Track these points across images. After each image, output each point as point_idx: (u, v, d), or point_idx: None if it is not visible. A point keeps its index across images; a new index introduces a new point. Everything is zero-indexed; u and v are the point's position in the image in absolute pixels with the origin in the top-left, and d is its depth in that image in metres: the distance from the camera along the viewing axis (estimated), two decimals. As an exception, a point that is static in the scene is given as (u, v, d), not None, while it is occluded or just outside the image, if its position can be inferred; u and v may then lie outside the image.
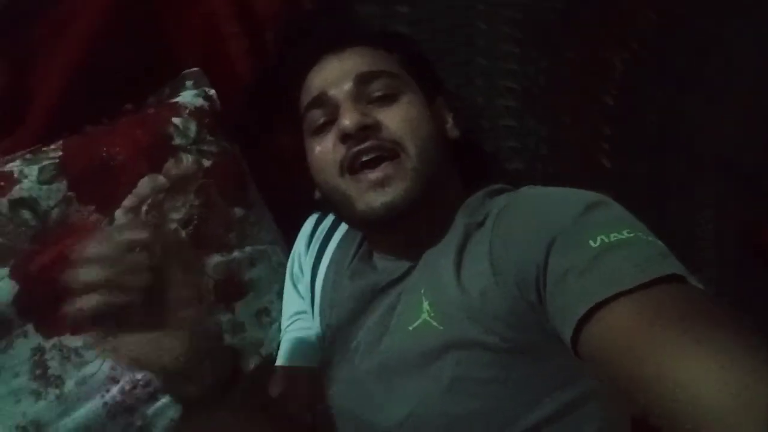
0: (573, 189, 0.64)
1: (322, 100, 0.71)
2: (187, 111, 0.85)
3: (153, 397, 0.75)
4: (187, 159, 0.82)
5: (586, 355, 0.51)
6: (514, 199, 0.67)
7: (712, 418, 0.40)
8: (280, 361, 0.81)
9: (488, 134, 0.89)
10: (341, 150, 0.69)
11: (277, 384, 0.79)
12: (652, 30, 0.93)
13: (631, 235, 0.53)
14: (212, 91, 0.89)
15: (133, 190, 0.78)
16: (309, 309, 0.82)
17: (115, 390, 0.72)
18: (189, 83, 0.89)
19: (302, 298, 0.84)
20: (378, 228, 0.73)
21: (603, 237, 0.53)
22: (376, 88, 0.71)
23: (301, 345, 0.81)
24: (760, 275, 0.88)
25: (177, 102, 0.86)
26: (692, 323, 0.45)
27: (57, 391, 0.70)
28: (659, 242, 0.54)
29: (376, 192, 0.67)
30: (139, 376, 0.74)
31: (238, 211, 0.84)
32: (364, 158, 0.68)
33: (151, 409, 0.74)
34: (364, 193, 0.68)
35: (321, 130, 0.72)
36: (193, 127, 0.84)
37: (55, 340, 0.71)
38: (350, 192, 0.69)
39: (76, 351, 0.71)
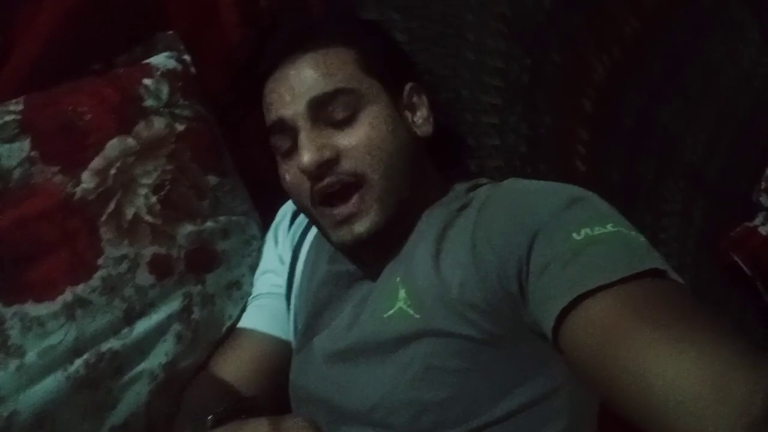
0: (557, 183, 0.66)
1: (281, 126, 0.70)
2: (159, 72, 0.80)
3: (119, 372, 0.71)
4: (159, 122, 0.77)
5: (566, 346, 0.52)
6: (497, 190, 0.68)
7: (689, 412, 0.41)
8: (246, 324, 0.80)
9: (471, 129, 0.89)
10: (306, 183, 0.68)
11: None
12: (633, 37, 0.95)
13: (615, 229, 0.55)
14: (186, 56, 0.84)
15: (101, 152, 0.73)
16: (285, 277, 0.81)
17: (79, 363, 0.69)
18: (162, 45, 0.84)
19: (282, 262, 0.82)
20: (354, 252, 0.73)
21: (587, 230, 0.54)
22: (332, 110, 0.68)
23: (271, 311, 0.80)
24: (721, 280, 0.92)
25: (149, 63, 0.81)
26: (670, 318, 0.47)
27: (17, 362, 0.65)
28: (642, 237, 0.56)
29: (344, 229, 0.68)
30: (104, 349, 0.70)
31: (212, 179, 0.80)
32: (330, 191, 0.67)
33: (117, 384, 0.71)
34: (334, 228, 0.68)
35: (288, 155, 0.70)
36: (165, 89, 0.79)
37: (16, 307, 0.66)
38: (322, 222, 0.70)
39: (38, 320, 0.67)
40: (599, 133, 0.95)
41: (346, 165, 0.67)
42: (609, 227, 0.54)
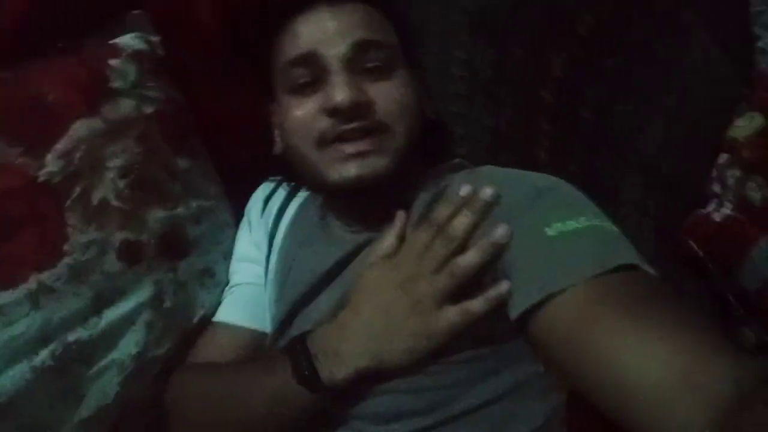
0: (531, 172, 0.66)
1: (310, 59, 0.66)
2: (126, 53, 0.77)
3: (87, 362, 0.68)
4: (127, 103, 0.75)
5: (535, 337, 0.53)
6: (473, 177, 0.68)
7: (658, 401, 0.42)
8: (223, 317, 0.78)
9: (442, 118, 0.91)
10: (324, 122, 0.65)
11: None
12: (589, 34, 0.98)
13: (588, 223, 0.55)
14: (153, 36, 0.81)
15: (66, 134, 0.70)
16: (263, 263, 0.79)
17: (45, 353, 0.65)
18: (130, 25, 0.81)
19: (258, 248, 0.80)
20: (344, 197, 0.70)
21: (559, 225, 0.54)
22: (372, 59, 0.66)
23: (249, 302, 0.78)
24: (677, 267, 0.95)
25: (115, 43, 0.78)
26: (641, 310, 0.47)
27: (-20, 352, 0.62)
28: (614, 228, 0.56)
29: (352, 163, 0.64)
30: (72, 339, 0.67)
31: (183, 162, 0.78)
32: (350, 136, 0.64)
33: (85, 375, 0.68)
34: (338, 163, 0.65)
35: (302, 90, 0.67)
36: (132, 70, 0.76)
37: (-23, 295, 0.63)
38: (322, 162, 0.66)
39: (1, 309, 0.63)
40: (559, 124, 0.98)
41: (378, 114, 0.65)
42: (581, 221, 0.55)
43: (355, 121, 0.64)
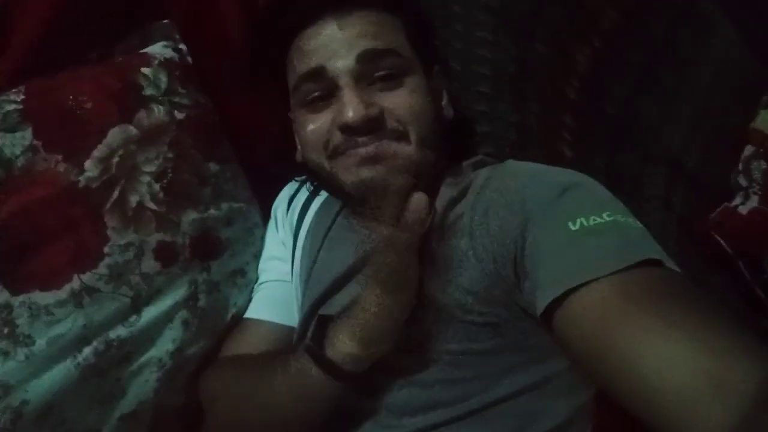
0: (556, 167, 0.67)
1: (319, 75, 0.67)
2: (157, 61, 0.80)
3: (127, 360, 0.71)
4: (159, 110, 0.77)
5: (559, 333, 0.53)
6: (497, 172, 0.68)
7: (681, 399, 0.42)
8: (253, 314, 0.80)
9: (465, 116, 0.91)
10: (337, 136, 0.66)
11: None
12: (613, 29, 0.99)
13: (611, 218, 0.55)
14: (182, 45, 0.84)
15: (103, 140, 0.73)
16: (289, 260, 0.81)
17: (87, 351, 0.68)
18: (158, 34, 0.84)
19: (285, 247, 0.82)
20: (362, 199, 0.71)
21: (582, 220, 0.54)
22: (381, 68, 0.66)
23: (279, 299, 0.80)
24: (703, 262, 0.95)
25: (146, 52, 0.81)
26: (666, 307, 0.47)
27: (26, 351, 0.65)
28: (638, 224, 0.56)
29: (367, 166, 0.65)
30: (113, 336, 0.70)
31: (213, 166, 0.80)
32: (365, 153, 0.65)
33: (125, 372, 0.71)
34: (356, 166, 0.66)
35: (314, 105, 0.68)
36: (163, 78, 0.79)
37: (23, 296, 0.66)
38: (337, 170, 0.67)
39: (46, 308, 0.66)
40: (583, 120, 0.98)
41: (390, 124, 0.65)
42: (605, 216, 0.54)
43: (367, 135, 0.65)
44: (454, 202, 0.67)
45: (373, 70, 0.66)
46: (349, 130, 0.65)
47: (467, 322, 0.61)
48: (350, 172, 0.66)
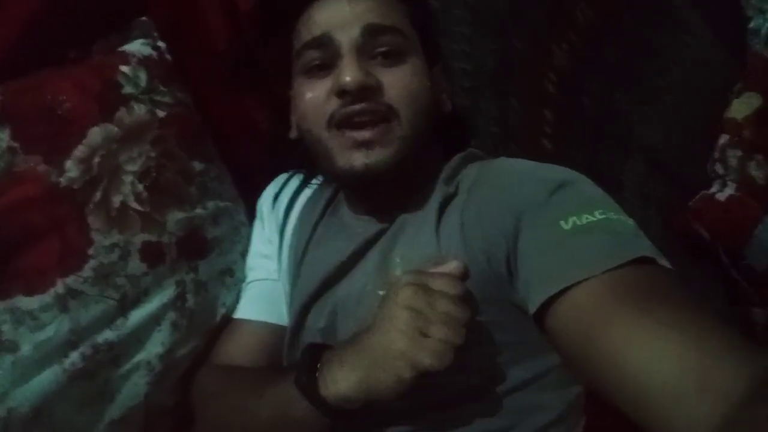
0: (547, 165, 0.67)
1: (323, 42, 0.67)
2: (135, 59, 0.78)
3: (116, 363, 0.70)
4: (140, 108, 0.75)
5: (551, 330, 0.53)
6: (487, 170, 0.69)
7: (670, 397, 0.42)
8: (243, 314, 0.79)
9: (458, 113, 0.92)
10: (334, 103, 0.66)
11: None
12: (589, 25, 1.00)
13: (603, 217, 0.54)
14: (161, 42, 0.82)
15: (83, 140, 0.71)
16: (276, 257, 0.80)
17: (75, 355, 0.67)
18: (136, 32, 0.82)
19: (271, 244, 0.81)
20: (355, 187, 0.72)
21: (575, 219, 0.54)
22: (383, 44, 0.67)
23: (267, 298, 0.79)
24: (682, 252, 0.97)
25: (124, 50, 0.79)
26: (655, 305, 0.47)
27: (12, 357, 0.63)
28: (630, 221, 0.56)
29: (359, 152, 0.65)
30: (100, 340, 0.68)
31: (198, 165, 0.79)
32: (356, 119, 0.65)
33: (114, 376, 0.69)
34: (347, 150, 0.66)
35: (314, 72, 0.68)
36: (143, 76, 0.77)
37: (6, 302, 0.64)
38: (332, 146, 0.67)
39: (30, 313, 0.64)
40: (563, 114, 0.99)
41: (385, 98, 0.66)
42: (597, 214, 0.54)
43: (362, 102, 0.65)
44: (447, 200, 0.67)
45: (376, 45, 0.67)
46: (344, 94, 0.65)
47: None
48: (342, 155, 0.66)
